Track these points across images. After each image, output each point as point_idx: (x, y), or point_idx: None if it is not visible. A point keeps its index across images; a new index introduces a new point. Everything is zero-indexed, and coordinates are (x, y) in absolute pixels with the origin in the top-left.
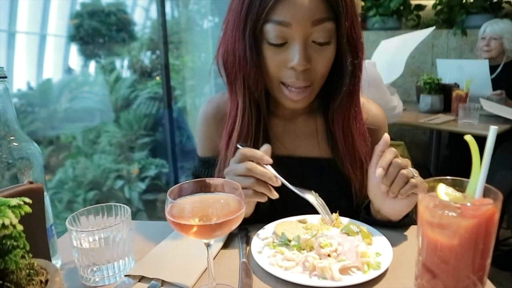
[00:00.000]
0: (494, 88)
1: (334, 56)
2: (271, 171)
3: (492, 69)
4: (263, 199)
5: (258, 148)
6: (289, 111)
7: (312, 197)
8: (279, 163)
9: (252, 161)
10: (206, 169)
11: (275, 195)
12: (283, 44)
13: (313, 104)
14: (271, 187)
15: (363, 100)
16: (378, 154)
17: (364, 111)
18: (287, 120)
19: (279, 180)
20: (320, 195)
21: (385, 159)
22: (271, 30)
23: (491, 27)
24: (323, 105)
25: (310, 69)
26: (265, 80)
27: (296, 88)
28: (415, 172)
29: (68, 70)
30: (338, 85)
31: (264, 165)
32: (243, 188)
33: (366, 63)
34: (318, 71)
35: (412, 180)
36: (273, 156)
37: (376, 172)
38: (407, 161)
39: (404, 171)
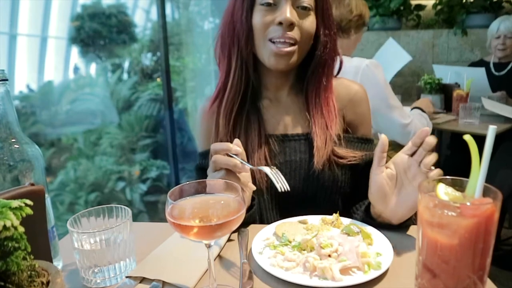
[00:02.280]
0: (504, 84)
1: (314, 25)
2: (237, 159)
3: (503, 66)
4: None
5: (248, 128)
6: (280, 92)
7: (267, 169)
8: (273, 140)
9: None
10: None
11: (250, 187)
12: (272, 5)
13: (298, 87)
14: (248, 180)
15: (344, 80)
16: (378, 156)
17: (344, 88)
18: (278, 102)
19: (246, 166)
20: (304, 164)
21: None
22: None
23: (505, 25)
24: (304, 86)
25: (295, 29)
26: (254, 41)
27: (282, 44)
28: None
29: (69, 72)
30: (314, 54)
31: (234, 155)
32: None
33: (369, 62)
34: (301, 32)
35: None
36: (267, 134)
37: (410, 143)
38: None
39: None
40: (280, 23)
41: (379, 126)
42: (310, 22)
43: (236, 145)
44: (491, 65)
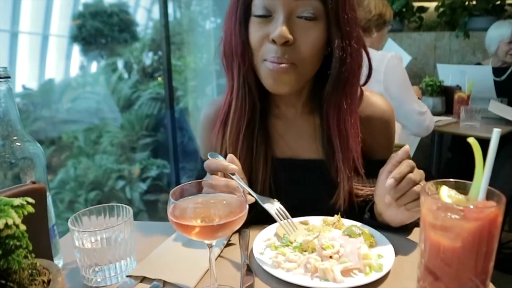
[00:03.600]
0: (505, 89)
1: (323, 38)
2: (236, 180)
3: (503, 71)
4: None
5: (254, 149)
6: (290, 110)
7: (272, 207)
8: (280, 165)
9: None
10: None
11: (249, 200)
12: (267, 16)
13: (314, 104)
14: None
15: (369, 95)
16: (393, 164)
17: (368, 104)
18: (288, 121)
19: (246, 189)
20: (316, 198)
21: (399, 171)
22: (257, 2)
23: None
24: (321, 105)
25: (292, 47)
26: (252, 58)
27: (278, 64)
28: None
29: (70, 70)
30: (329, 66)
31: (230, 175)
32: None
33: (394, 54)
34: (301, 50)
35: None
36: (274, 158)
37: (387, 182)
38: (421, 175)
39: (415, 188)
40: (274, 41)
41: (399, 115)
42: (313, 37)
43: (231, 162)
44: (490, 70)
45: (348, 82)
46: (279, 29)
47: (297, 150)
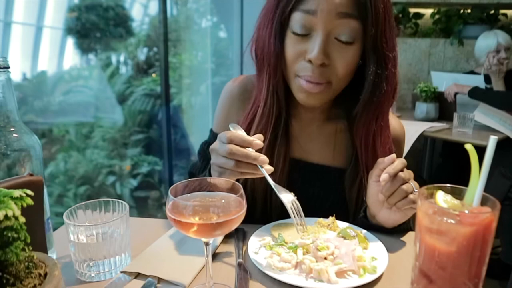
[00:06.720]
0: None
1: (358, 60)
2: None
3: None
4: (250, 176)
5: (275, 149)
6: (308, 115)
7: (287, 198)
8: (291, 165)
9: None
10: None
11: (269, 170)
12: (306, 35)
13: (334, 111)
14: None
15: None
16: (380, 169)
17: None
18: (305, 123)
19: (263, 157)
20: (322, 205)
21: (393, 167)
22: (297, 19)
23: (503, 37)
24: (348, 114)
25: (328, 67)
26: (283, 70)
27: (314, 84)
28: (415, 186)
29: (63, 63)
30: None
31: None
32: (226, 169)
33: None
34: (337, 71)
35: (411, 196)
36: (287, 157)
37: (381, 177)
38: (410, 174)
39: (404, 187)
40: (310, 61)
41: None
42: (350, 58)
43: (258, 139)
44: (482, 79)
45: (380, 105)
46: (316, 51)
47: (307, 153)
